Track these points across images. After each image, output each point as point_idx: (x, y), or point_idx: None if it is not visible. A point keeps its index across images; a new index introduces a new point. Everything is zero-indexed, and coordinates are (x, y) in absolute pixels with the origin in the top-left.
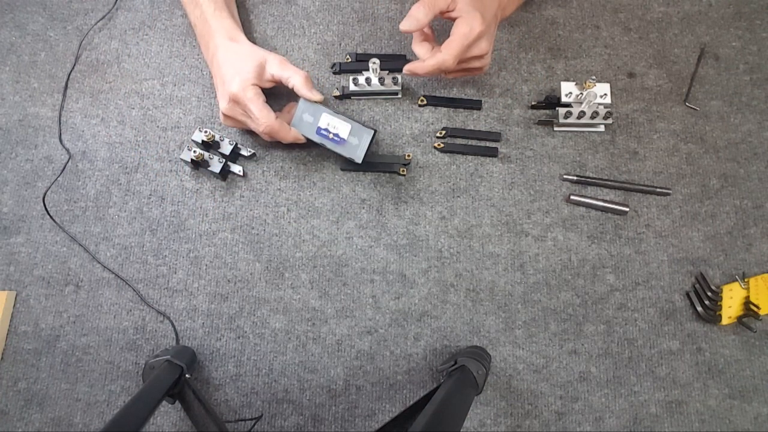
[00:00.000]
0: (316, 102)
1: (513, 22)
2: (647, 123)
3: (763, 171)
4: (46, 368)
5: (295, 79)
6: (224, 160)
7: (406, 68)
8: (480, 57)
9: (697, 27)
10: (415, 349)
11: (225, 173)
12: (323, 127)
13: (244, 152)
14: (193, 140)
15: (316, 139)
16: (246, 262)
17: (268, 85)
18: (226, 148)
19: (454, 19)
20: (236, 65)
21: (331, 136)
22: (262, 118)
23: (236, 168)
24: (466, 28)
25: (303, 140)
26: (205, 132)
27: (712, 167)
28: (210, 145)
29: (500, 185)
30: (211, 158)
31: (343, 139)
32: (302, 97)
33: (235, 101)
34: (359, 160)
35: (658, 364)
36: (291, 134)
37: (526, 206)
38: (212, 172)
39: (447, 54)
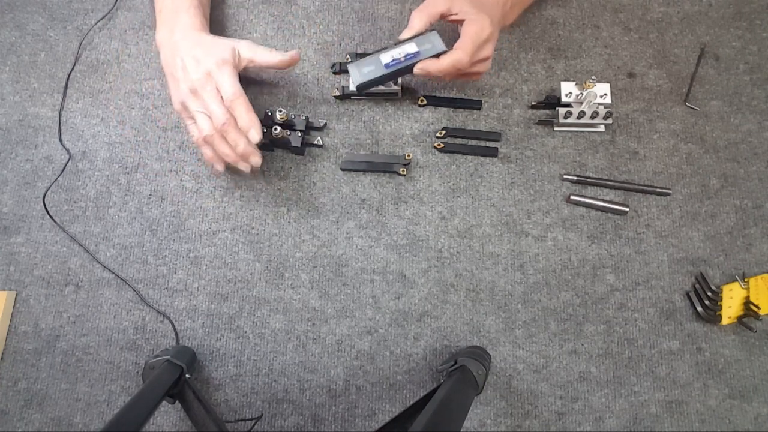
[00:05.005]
0: (291, 59)
1: (513, 22)
2: (647, 123)
3: (763, 171)
4: (46, 368)
5: (267, 56)
6: (302, 135)
7: (418, 66)
8: (484, 60)
9: (697, 27)
10: (415, 349)
11: (304, 147)
12: (389, 61)
13: (316, 124)
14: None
15: (387, 72)
16: (246, 262)
17: (240, 67)
18: (301, 124)
19: (458, 22)
20: (207, 50)
21: (402, 58)
22: (233, 92)
23: (316, 139)
24: (477, 27)
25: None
26: (280, 111)
27: (712, 167)
28: (284, 125)
29: (500, 185)
30: (289, 134)
31: (417, 52)
32: (280, 66)
33: (204, 81)
34: (444, 48)
35: (658, 364)
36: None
37: (526, 206)
38: (294, 148)
39: (462, 52)
